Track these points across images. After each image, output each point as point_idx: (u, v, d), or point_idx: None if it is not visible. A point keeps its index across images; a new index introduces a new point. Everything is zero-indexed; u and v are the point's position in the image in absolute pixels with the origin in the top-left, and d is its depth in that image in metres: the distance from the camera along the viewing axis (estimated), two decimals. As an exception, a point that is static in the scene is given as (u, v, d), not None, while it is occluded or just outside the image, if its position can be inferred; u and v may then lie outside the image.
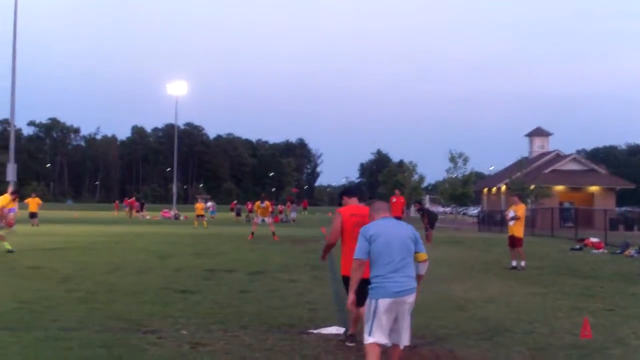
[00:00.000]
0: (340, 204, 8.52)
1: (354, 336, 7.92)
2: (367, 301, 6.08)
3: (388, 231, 6.20)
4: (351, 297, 6.32)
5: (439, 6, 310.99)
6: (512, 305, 11.34)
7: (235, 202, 78.23)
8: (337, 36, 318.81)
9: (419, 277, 6.28)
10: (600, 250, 24.94)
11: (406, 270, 6.07)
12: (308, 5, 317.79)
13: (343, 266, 7.97)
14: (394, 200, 34.89)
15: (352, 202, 8.36)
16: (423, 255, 6.30)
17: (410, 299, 6.04)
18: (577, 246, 26.48)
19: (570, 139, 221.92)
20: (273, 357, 7.29)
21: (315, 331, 8.67)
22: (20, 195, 24.44)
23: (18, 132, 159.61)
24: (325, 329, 8.76)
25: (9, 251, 19.23)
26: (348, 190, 8.67)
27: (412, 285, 6.07)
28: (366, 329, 6.03)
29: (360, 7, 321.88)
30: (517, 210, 18.39)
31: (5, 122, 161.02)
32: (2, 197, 20.44)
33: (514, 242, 18.09)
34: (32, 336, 8.06)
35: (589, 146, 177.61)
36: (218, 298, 11.39)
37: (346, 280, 7.79)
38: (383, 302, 5.92)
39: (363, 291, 7.00)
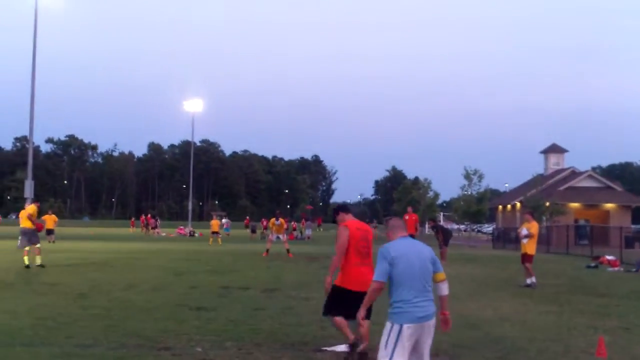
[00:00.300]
0: (334, 221, 8.67)
1: (357, 344, 8.05)
2: (389, 325, 5.77)
3: (409, 252, 5.92)
4: (363, 313, 6.24)
5: (453, 21, 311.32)
6: (526, 324, 11.31)
7: (248, 218, 78.28)
8: (351, 54, 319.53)
9: (442, 299, 6.07)
10: (616, 268, 24.81)
11: (428, 294, 5.84)
12: (323, 23, 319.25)
13: (341, 277, 8.20)
14: (407, 217, 34.86)
15: (349, 219, 8.54)
16: (442, 275, 6.05)
17: (432, 322, 5.85)
18: (593, 264, 26.35)
19: (586, 155, 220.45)
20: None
21: (329, 349, 8.70)
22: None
23: (36, 149, 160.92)
24: (339, 346, 8.77)
25: (27, 266, 19.55)
26: (344, 207, 8.91)
27: (434, 310, 5.86)
28: (385, 353, 5.72)
29: (375, 23, 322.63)
30: (530, 227, 18.34)
31: (24, 139, 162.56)
32: (30, 207, 21.07)
33: (524, 258, 18.07)
34: (48, 352, 8.14)
35: (605, 163, 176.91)
36: (232, 315, 11.44)
37: (340, 291, 8.15)
38: (408, 328, 5.67)
39: (356, 305, 7.14)
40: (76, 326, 10.01)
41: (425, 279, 5.85)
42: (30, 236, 20.37)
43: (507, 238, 48.67)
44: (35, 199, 24.31)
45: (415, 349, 5.78)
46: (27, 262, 19.81)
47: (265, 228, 56.25)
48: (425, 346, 5.85)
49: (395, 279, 5.80)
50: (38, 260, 20.23)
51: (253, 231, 61.30)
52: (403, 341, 5.65)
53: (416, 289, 5.75)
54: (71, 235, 52.12)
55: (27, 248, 20.19)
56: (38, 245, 20.38)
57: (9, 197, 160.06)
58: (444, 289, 6.06)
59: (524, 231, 18.46)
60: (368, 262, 8.14)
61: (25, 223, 20.55)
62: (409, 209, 35.98)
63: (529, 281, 17.73)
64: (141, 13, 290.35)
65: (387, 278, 5.83)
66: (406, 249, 5.93)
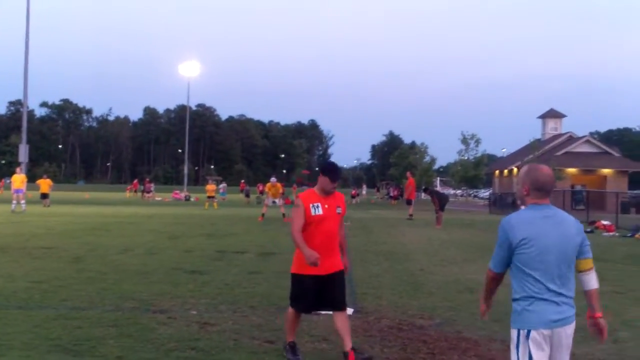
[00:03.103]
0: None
1: (295, 346, 6.80)
2: (513, 334, 4.17)
3: (545, 230, 4.13)
4: (483, 306, 4.78)
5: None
6: (521, 287, 11.31)
7: (244, 182, 78.25)
8: (349, 20, 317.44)
9: (590, 295, 4.35)
10: (611, 233, 24.88)
11: (566, 289, 4.14)
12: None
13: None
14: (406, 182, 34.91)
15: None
16: (588, 263, 4.30)
17: (570, 329, 4.14)
18: (588, 229, 26.37)
19: (584, 121, 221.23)
20: (282, 337, 7.29)
21: (324, 312, 8.68)
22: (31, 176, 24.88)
23: (30, 113, 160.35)
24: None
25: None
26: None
27: (573, 312, 4.15)
28: None
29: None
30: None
31: (18, 103, 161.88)
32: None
33: None
34: (43, 315, 8.13)
35: (603, 128, 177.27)
36: (228, 279, 11.43)
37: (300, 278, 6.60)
38: (536, 335, 4.04)
39: (333, 286, 6.53)
40: (71, 289, 10.00)
41: (564, 268, 4.14)
42: None
43: (503, 203, 48.72)
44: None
45: None
46: None
47: (261, 193, 56.35)
48: None
49: (521, 267, 4.15)
50: None
51: (247, 195, 61.42)
52: (530, 353, 4.05)
53: (550, 282, 4.09)
54: (66, 200, 52.09)
55: None
56: None
57: (3, 162, 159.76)
58: (591, 282, 4.34)
59: None
60: None
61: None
62: (408, 174, 36.05)
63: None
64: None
65: (505, 268, 4.28)
66: (542, 225, 4.15)
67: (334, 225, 6.56)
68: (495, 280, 4.35)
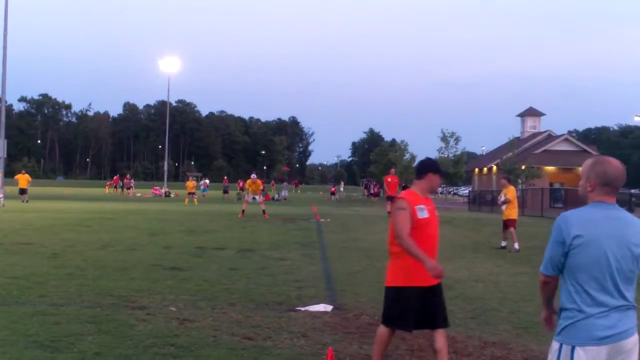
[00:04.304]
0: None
1: None
2: (555, 346, 3.61)
3: (607, 234, 3.55)
4: (545, 313, 3.96)
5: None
6: (499, 285, 11.41)
7: (226, 178, 78.18)
8: (330, 18, 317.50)
9: None
10: (589, 231, 25.03)
11: (622, 300, 3.57)
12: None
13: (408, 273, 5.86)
14: (389, 179, 34.85)
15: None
16: None
17: (630, 344, 3.56)
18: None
19: (563, 119, 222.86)
20: (261, 334, 7.32)
21: (303, 309, 8.71)
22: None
23: (9, 108, 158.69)
24: (313, 306, 8.80)
25: None
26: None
27: (632, 324, 3.57)
28: None
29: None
30: (507, 193, 18.32)
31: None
32: None
33: (507, 223, 18.03)
34: (21, 311, 8.07)
35: (581, 127, 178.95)
36: (207, 275, 11.42)
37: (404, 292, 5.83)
38: (581, 352, 3.50)
39: (434, 300, 5.86)
40: (49, 285, 9.94)
41: (622, 276, 3.57)
42: None
43: (482, 201, 49.05)
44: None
45: None
46: None
47: (242, 189, 56.28)
48: None
49: (573, 273, 3.59)
50: None
51: (225, 192, 61.33)
52: None
53: (603, 292, 3.54)
54: (45, 195, 51.68)
55: None
56: None
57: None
58: None
59: (502, 198, 18.46)
60: None
61: None
62: (392, 170, 35.95)
63: (503, 243, 17.83)
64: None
65: (558, 271, 3.66)
66: (603, 227, 3.56)
67: (436, 230, 6.03)
68: (548, 284, 3.76)
